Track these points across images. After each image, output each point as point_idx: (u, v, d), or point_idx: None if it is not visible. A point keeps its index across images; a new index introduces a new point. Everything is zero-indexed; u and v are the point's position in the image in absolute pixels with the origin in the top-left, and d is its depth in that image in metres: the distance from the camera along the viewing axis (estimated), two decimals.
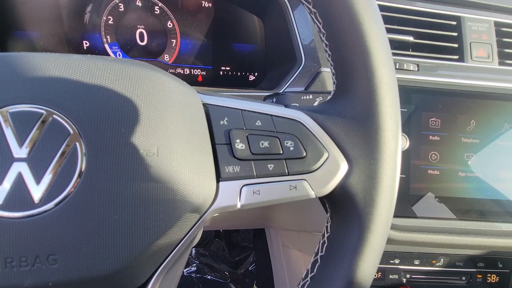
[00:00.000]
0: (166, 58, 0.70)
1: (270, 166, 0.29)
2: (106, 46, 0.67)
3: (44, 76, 0.25)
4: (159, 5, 0.66)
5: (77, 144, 0.23)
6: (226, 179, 0.28)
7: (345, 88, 0.30)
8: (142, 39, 0.68)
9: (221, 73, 0.74)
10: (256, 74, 0.75)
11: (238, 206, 0.29)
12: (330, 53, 0.31)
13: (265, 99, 0.49)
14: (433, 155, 0.57)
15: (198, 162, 0.27)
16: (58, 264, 0.23)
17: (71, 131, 0.24)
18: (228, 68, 0.73)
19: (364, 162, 0.28)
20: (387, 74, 0.27)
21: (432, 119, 0.57)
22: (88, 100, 0.25)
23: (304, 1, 0.30)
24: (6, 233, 0.22)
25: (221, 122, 0.30)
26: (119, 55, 0.68)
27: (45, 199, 0.23)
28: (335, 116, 0.30)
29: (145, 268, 0.26)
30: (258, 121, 0.30)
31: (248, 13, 0.69)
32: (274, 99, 0.47)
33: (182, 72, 0.72)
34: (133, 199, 0.24)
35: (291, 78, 0.58)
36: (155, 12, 0.67)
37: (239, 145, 0.29)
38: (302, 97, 0.45)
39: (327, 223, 0.32)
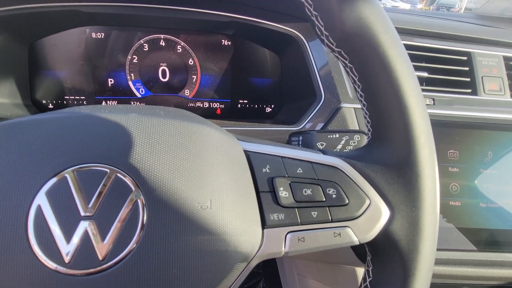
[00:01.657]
0: (187, 93, 0.73)
1: (314, 214, 0.30)
2: (130, 83, 0.70)
3: (104, 136, 0.26)
4: (181, 44, 0.69)
5: (139, 200, 0.25)
6: (271, 226, 0.29)
7: (381, 136, 0.31)
8: (164, 76, 0.71)
9: (239, 106, 0.76)
10: (272, 106, 0.77)
11: (283, 253, 0.30)
12: (365, 103, 0.32)
13: (290, 137, 0.51)
14: (453, 186, 0.58)
15: (245, 211, 0.28)
16: None
17: (133, 188, 0.25)
18: (246, 101, 0.76)
19: (406, 209, 0.29)
20: (424, 126, 0.29)
21: (451, 151, 0.58)
22: (146, 156, 0.26)
23: (340, 57, 0.32)
24: None
25: (264, 170, 0.31)
26: (142, 91, 0.71)
27: (109, 256, 0.24)
28: (373, 163, 0.31)
29: None
30: (299, 168, 0.31)
31: (265, 49, 0.72)
32: (301, 137, 0.49)
33: (201, 106, 0.75)
34: (189, 252, 0.25)
35: (311, 114, 0.60)
36: (177, 50, 0.70)
37: (283, 193, 0.30)
38: (329, 136, 0.46)
39: (368, 267, 0.32)
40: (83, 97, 0.69)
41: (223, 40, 0.71)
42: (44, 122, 0.26)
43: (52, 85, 0.67)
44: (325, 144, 0.47)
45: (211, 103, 0.75)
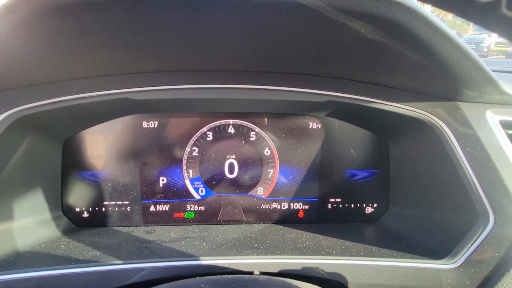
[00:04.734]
0: (260, 192, 0.54)
1: None
2: (187, 181, 0.53)
3: None
4: (256, 130, 0.52)
5: None
6: None
7: None
8: (231, 171, 0.53)
9: (329, 206, 0.55)
10: (375, 205, 0.55)
11: None
12: None
13: None
14: None
15: None
16: None
17: None
18: (339, 200, 0.55)
19: None
20: None
21: None
22: None
23: None
24: None
25: None
26: (202, 191, 0.53)
27: None
28: None
29: None
30: None
31: (369, 133, 0.53)
32: None
33: (278, 208, 0.55)
34: None
35: (472, 245, 0.37)
36: (250, 138, 0.52)
37: None
38: None
39: None
40: (127, 202, 0.52)
41: (311, 123, 0.53)
42: None
43: (89, 189, 0.51)
44: None
45: (292, 204, 0.55)
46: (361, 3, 0.29)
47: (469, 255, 0.38)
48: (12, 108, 0.40)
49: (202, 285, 0.28)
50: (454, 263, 0.38)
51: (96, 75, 0.42)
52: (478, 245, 0.38)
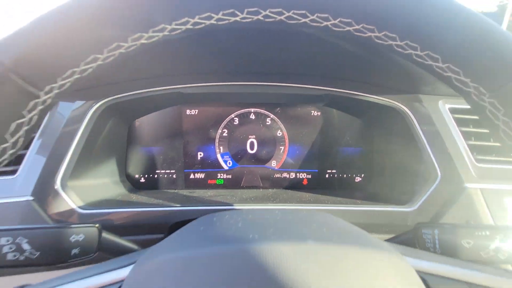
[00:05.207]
0: (273, 164, 0.71)
1: None
2: (218, 156, 0.69)
3: (292, 269, 0.23)
4: (271, 117, 0.69)
5: None
6: None
7: None
8: (252, 148, 0.70)
9: (326, 175, 0.72)
10: (362, 176, 0.72)
11: None
12: None
13: (419, 229, 0.45)
14: None
15: None
16: None
17: None
18: (334, 171, 0.71)
19: None
20: None
21: None
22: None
23: (491, 108, 0.26)
24: None
25: None
26: (229, 163, 0.70)
27: None
28: None
29: None
30: None
31: (356, 119, 0.69)
32: (436, 231, 0.42)
33: (288, 177, 0.71)
34: None
35: (426, 194, 0.53)
36: (267, 123, 0.69)
37: None
38: (477, 233, 0.39)
39: None
40: (173, 171, 0.69)
41: (313, 111, 0.69)
42: (237, 254, 0.23)
43: (146, 160, 0.68)
44: (472, 242, 0.40)
45: (298, 174, 0.71)
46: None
47: (423, 201, 0.54)
48: (103, 99, 0.57)
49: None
50: (413, 206, 0.54)
51: (159, 75, 0.59)
52: (429, 194, 0.54)
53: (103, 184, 0.61)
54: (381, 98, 0.60)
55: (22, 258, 0.36)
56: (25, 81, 0.23)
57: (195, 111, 0.68)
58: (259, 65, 0.60)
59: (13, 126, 0.24)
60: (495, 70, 0.25)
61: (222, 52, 0.54)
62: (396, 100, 0.60)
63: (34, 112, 0.25)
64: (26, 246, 0.36)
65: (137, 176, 0.69)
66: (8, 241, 0.36)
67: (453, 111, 0.58)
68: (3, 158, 0.25)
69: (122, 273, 0.28)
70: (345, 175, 0.72)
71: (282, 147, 0.70)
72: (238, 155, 0.70)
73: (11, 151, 0.25)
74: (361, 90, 0.61)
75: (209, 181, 0.71)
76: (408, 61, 0.27)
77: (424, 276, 0.28)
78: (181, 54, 0.54)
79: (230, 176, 0.71)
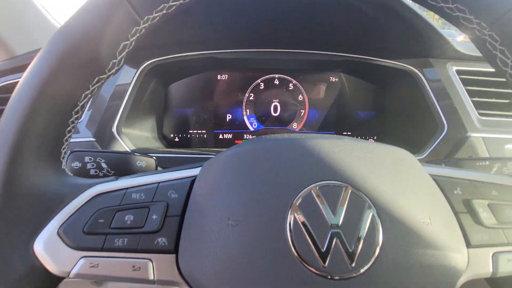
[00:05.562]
0: (294, 126, 0.78)
1: None
2: (245, 118, 0.77)
3: (334, 157, 0.30)
4: (293, 82, 0.76)
5: (373, 214, 0.27)
6: (476, 246, 0.30)
7: None
8: (275, 111, 0.77)
9: None
10: (375, 138, 0.79)
11: (490, 274, 0.30)
12: None
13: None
14: None
15: (452, 229, 0.29)
16: None
17: (366, 203, 0.28)
18: (350, 133, 0.79)
19: None
20: None
21: None
22: (369, 176, 0.29)
23: (490, 40, 0.32)
24: None
25: (455, 192, 0.32)
26: (255, 125, 0.77)
27: (358, 264, 0.26)
28: None
29: None
30: (494, 191, 0.32)
31: (370, 84, 0.76)
32: (443, 165, 0.49)
33: None
34: (417, 267, 0.27)
35: (434, 143, 0.60)
36: (289, 88, 0.76)
37: (483, 214, 0.31)
38: (478, 164, 0.46)
39: None
40: (204, 131, 0.77)
41: (331, 77, 0.76)
42: (288, 144, 0.31)
43: (180, 121, 0.76)
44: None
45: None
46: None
47: (432, 149, 0.61)
48: (147, 61, 0.65)
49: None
50: (422, 155, 0.61)
51: (196, 41, 0.67)
52: (437, 143, 0.61)
53: (146, 137, 0.69)
54: (394, 62, 0.67)
55: (101, 174, 0.44)
56: (132, 7, 0.31)
57: (225, 76, 0.75)
58: (284, 33, 0.67)
59: (121, 46, 0.32)
60: (492, 5, 0.32)
61: (250, 21, 0.62)
62: (408, 64, 0.67)
63: (134, 38, 0.32)
64: (103, 165, 0.44)
65: (172, 135, 0.77)
66: (90, 159, 0.44)
67: (459, 72, 0.65)
68: (110, 72, 0.32)
69: (194, 171, 0.35)
70: (359, 137, 0.79)
71: (303, 111, 0.77)
72: (263, 117, 0.77)
73: (116, 67, 0.32)
74: (376, 55, 0.68)
75: (236, 141, 0.78)
76: (421, 4, 0.33)
77: (433, 176, 0.34)
78: (215, 21, 0.62)
79: (255, 137, 0.78)
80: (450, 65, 0.65)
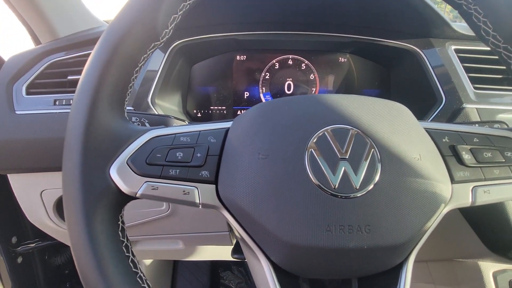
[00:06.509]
0: None
1: (496, 171, 0.37)
2: (261, 95, 0.85)
3: (344, 107, 0.38)
4: (305, 62, 0.83)
5: (374, 150, 0.35)
6: (459, 182, 0.37)
7: None
8: (289, 89, 0.84)
9: None
10: None
11: (469, 203, 0.37)
12: None
13: None
14: None
15: (439, 167, 0.37)
16: (371, 233, 0.33)
17: (369, 142, 0.35)
18: None
19: None
20: None
21: None
22: (372, 122, 0.37)
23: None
24: (340, 207, 0.33)
25: (443, 140, 0.40)
26: None
27: (361, 186, 0.34)
28: None
29: (410, 245, 0.35)
30: (475, 138, 0.39)
31: (376, 64, 0.83)
32: None
33: None
34: (409, 190, 0.34)
35: (433, 114, 0.67)
36: (302, 68, 0.83)
37: (466, 156, 0.38)
38: (475, 126, 0.53)
39: None
40: (224, 107, 0.85)
41: (340, 58, 0.83)
42: (304, 99, 0.39)
43: (202, 97, 0.84)
44: None
45: None
46: None
47: (432, 119, 0.68)
48: (176, 41, 0.73)
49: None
50: None
51: (218, 24, 0.75)
52: (435, 114, 0.67)
53: (174, 110, 0.77)
54: (398, 42, 0.74)
55: None
56: None
57: (244, 57, 0.82)
58: (298, 16, 0.75)
59: (172, 18, 0.39)
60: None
61: (268, 4, 0.69)
62: (411, 43, 0.73)
63: (181, 12, 0.39)
64: (147, 125, 0.53)
65: (194, 111, 0.85)
66: (136, 119, 0.52)
67: (457, 51, 0.71)
68: (162, 40, 0.40)
69: (227, 124, 0.43)
70: None
71: (314, 89, 0.85)
72: (277, 95, 0.85)
73: (167, 36, 0.40)
74: (381, 36, 0.75)
75: None
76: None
77: (426, 129, 0.42)
78: (236, 5, 0.69)
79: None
80: (449, 44, 0.71)
